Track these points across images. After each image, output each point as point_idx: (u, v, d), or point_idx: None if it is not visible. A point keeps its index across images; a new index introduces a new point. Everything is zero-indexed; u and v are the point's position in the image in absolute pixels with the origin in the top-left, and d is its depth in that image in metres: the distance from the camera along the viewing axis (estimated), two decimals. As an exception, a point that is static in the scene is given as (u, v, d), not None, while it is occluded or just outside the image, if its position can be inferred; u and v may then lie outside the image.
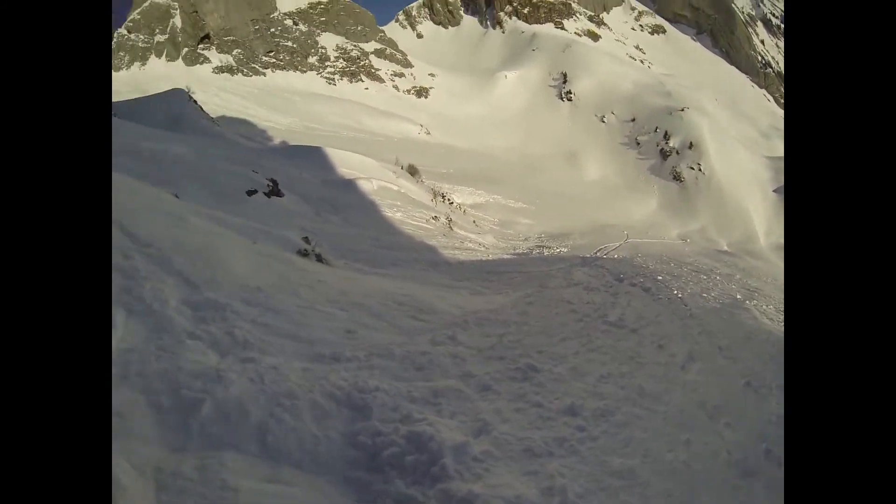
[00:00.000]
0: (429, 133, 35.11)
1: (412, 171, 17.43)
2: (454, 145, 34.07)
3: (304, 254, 6.31)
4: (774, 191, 41.49)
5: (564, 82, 49.51)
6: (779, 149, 54.88)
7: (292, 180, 11.24)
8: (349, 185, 12.30)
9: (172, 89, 26.97)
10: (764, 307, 7.74)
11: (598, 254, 15.70)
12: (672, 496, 2.45)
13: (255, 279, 4.04)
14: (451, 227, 12.24)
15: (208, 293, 3.45)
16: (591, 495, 2.31)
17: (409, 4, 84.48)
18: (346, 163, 14.34)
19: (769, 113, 72.55)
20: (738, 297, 8.10)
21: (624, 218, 32.73)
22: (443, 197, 15.95)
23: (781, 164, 44.96)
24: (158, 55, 55.79)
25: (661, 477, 2.58)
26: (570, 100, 48.03)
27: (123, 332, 2.76)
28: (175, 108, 22.87)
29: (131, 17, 59.90)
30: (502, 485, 2.24)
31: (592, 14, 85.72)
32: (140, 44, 56.35)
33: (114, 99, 26.46)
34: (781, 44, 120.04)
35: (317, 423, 2.48)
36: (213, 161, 11.36)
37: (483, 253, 11.22)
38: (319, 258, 6.49)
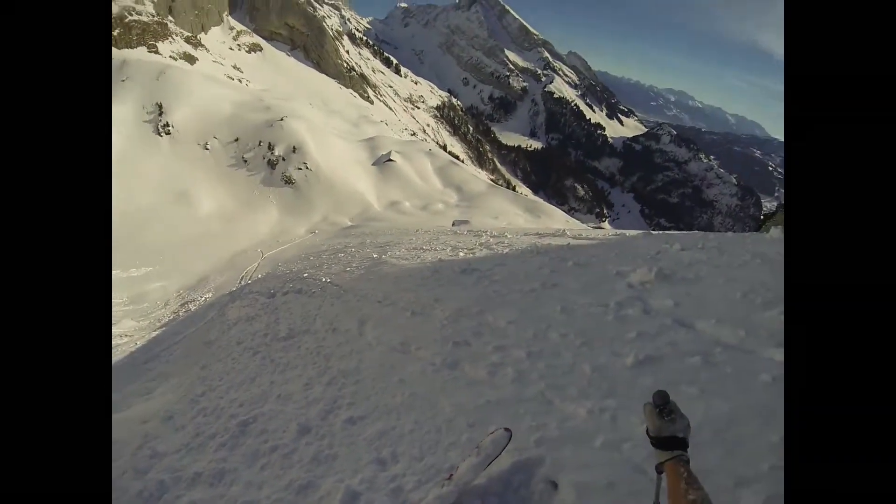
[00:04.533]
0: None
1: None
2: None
3: None
4: (373, 164, 51.34)
5: (161, 114, 44.63)
6: (368, 132, 65.90)
7: None
8: None
9: None
10: (397, 253, 9.14)
11: (242, 283, 15.42)
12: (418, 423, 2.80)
13: None
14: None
15: None
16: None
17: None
18: None
19: (355, 106, 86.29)
20: (375, 255, 9.33)
21: (252, 237, 32.44)
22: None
23: (373, 144, 54.66)
24: None
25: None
26: (168, 133, 43.38)
27: None
28: None
29: None
30: None
31: (190, 35, 78.35)
32: None
33: None
34: (363, 52, 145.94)
35: None
36: None
37: (127, 345, 9.85)
38: None
